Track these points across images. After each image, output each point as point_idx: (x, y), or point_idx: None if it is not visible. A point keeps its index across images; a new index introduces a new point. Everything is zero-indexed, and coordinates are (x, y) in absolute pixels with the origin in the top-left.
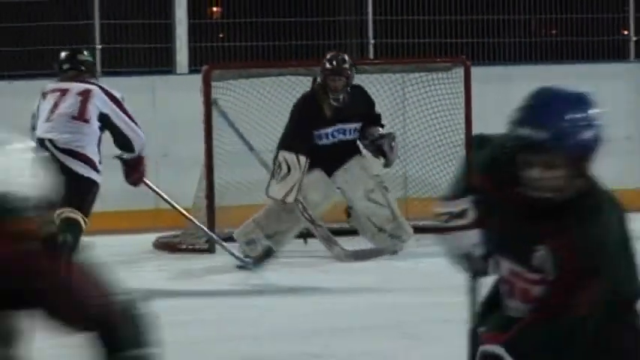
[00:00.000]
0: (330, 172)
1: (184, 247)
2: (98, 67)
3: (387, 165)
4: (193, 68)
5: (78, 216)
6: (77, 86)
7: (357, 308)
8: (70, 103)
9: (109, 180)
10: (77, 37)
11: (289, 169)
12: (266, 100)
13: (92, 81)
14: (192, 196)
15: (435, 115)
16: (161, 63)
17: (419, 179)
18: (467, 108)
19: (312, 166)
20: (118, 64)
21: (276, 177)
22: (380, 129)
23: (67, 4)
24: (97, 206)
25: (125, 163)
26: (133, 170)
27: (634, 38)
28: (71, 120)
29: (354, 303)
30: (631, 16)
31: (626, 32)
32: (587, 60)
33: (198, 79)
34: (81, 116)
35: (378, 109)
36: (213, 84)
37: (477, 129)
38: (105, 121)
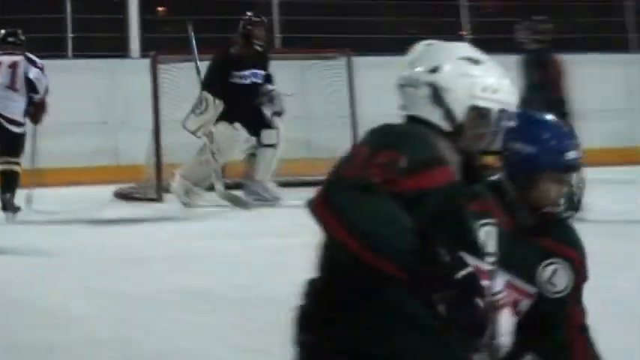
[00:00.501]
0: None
1: (138, 196)
2: (70, 53)
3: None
4: (144, 54)
5: (17, 167)
6: (8, 59)
7: (275, 247)
8: (3, 75)
9: (81, 142)
10: (52, 28)
11: (207, 108)
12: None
13: (20, 52)
14: (145, 155)
15: (326, 92)
16: (119, 49)
17: (317, 143)
18: (350, 87)
19: (230, 113)
20: (85, 50)
21: (195, 112)
22: (270, 86)
23: (44, 1)
24: (68, 163)
25: (33, 104)
26: (37, 110)
27: (470, 37)
28: (6, 89)
29: (272, 243)
30: (465, 20)
31: (462, 33)
32: None
33: (147, 62)
34: (12, 86)
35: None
36: (159, 66)
37: (361, 104)
38: (27, 79)
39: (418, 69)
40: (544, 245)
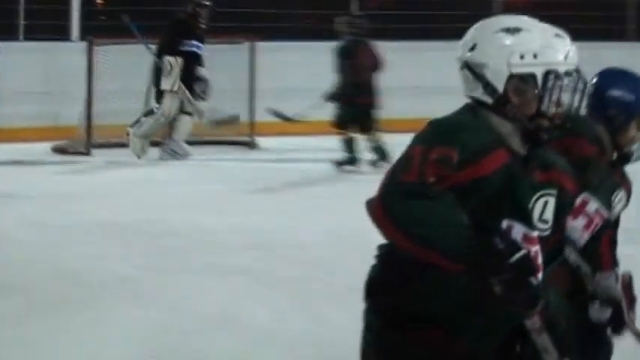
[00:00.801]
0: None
1: (71, 150)
2: (21, 36)
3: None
4: (82, 38)
5: None
6: None
7: (180, 191)
8: None
9: (29, 107)
10: (7, 16)
11: (172, 67)
12: (128, 58)
13: None
14: (77, 118)
15: (231, 70)
16: (62, 34)
17: (221, 110)
18: (251, 67)
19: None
20: (34, 34)
21: (165, 74)
22: (204, 71)
23: None
24: (18, 124)
25: None
26: None
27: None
28: None
29: (178, 188)
30: (355, 10)
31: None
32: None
33: (84, 45)
34: None
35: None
36: (94, 48)
37: (259, 81)
38: None
39: (461, 49)
40: (617, 178)
